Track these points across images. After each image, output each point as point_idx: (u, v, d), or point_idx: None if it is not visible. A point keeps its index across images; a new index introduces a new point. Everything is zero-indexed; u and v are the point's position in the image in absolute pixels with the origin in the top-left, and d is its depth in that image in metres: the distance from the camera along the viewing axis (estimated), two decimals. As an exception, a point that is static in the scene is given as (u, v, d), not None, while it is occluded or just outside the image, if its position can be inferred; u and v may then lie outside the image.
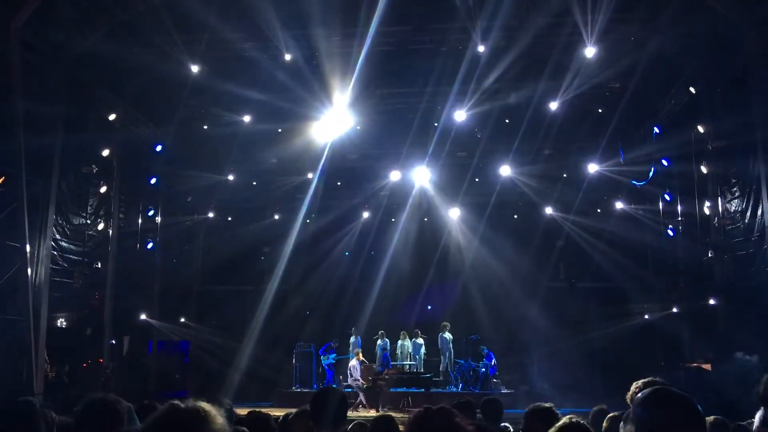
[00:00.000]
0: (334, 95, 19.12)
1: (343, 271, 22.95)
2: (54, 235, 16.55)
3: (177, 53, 16.78)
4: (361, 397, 17.16)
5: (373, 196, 23.05)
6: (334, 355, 19.17)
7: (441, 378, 19.36)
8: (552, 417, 4.26)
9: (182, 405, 1.96)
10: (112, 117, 18.38)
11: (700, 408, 2.22)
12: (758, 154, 14.93)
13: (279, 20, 16.00)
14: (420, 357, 19.54)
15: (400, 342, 19.93)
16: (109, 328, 18.79)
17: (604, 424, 4.49)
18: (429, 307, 22.21)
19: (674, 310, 19.20)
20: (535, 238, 22.18)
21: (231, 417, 4.15)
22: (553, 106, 18.61)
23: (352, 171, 22.64)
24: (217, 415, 1.96)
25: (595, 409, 5.11)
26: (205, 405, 1.98)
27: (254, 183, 22.98)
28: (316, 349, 19.86)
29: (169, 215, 21.48)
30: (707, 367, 16.23)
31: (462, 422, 2.08)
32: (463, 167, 21.55)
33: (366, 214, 23.58)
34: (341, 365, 19.56)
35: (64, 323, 17.27)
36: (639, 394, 2.31)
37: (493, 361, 18.74)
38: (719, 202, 17.08)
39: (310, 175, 21.77)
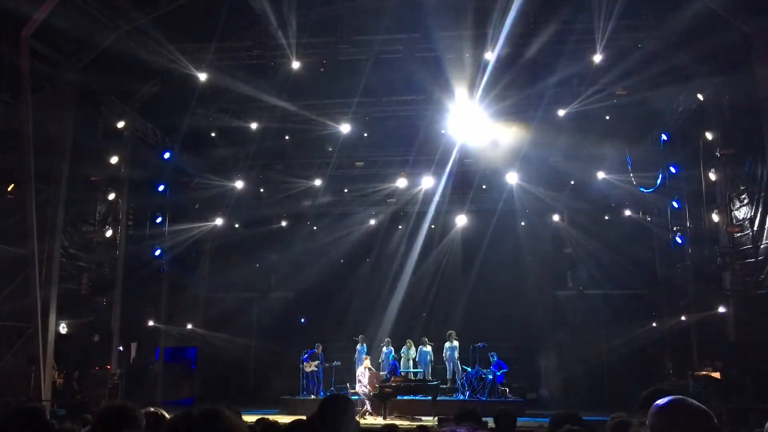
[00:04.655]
0: (342, 102, 19.23)
1: (349, 279, 22.95)
2: (62, 242, 16.61)
3: (185, 61, 16.88)
4: (368, 404, 17.13)
5: (379, 203, 23.07)
6: (317, 362, 19.05)
7: (448, 385, 19.29)
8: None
9: (197, 409, 1.98)
10: (120, 125, 18.49)
11: (715, 419, 2.21)
12: (766, 160, 14.88)
13: (287, 28, 16.09)
14: (427, 365, 19.48)
15: (405, 349, 19.89)
16: (116, 335, 18.83)
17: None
18: (424, 314, 22.04)
19: (683, 318, 19.08)
20: (543, 245, 22.11)
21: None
22: (561, 113, 18.60)
23: (359, 178, 22.66)
24: (232, 415, 1.97)
25: (615, 417, 5.03)
26: (220, 407, 1.99)
27: (261, 190, 23.03)
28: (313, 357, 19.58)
29: (177, 222, 21.53)
30: (716, 375, 16.13)
31: None
32: (470, 174, 21.54)
33: (372, 221, 23.58)
34: (330, 373, 19.47)
35: (72, 330, 17.32)
36: (655, 403, 2.31)
37: (500, 369, 18.64)
38: (727, 210, 17.00)
39: (317, 182, 21.81)
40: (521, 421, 6.42)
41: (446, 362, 19.59)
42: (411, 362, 19.77)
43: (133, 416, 2.91)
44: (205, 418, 1.92)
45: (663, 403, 2.26)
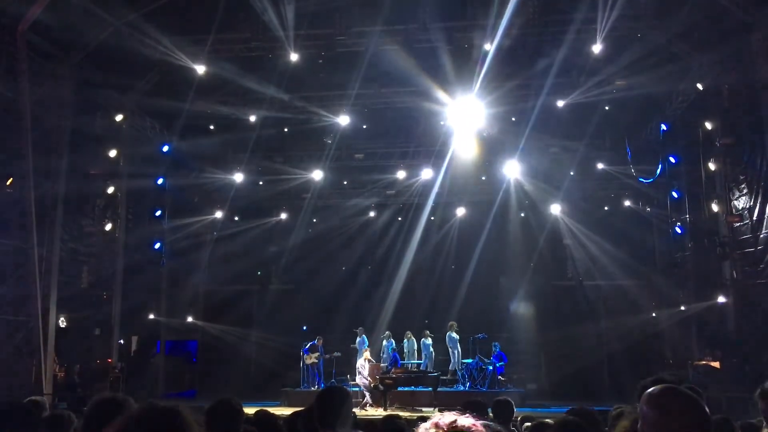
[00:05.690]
0: (341, 94, 19.17)
1: (349, 271, 22.99)
2: (62, 236, 16.61)
3: (183, 54, 16.83)
4: (368, 396, 17.17)
5: (379, 195, 23.07)
6: (318, 354, 19.09)
7: (449, 377, 19.34)
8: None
9: (159, 404, 1.96)
10: (118, 118, 18.46)
11: (706, 407, 2.20)
12: (766, 150, 14.86)
13: (285, 19, 16.04)
14: (429, 356, 19.52)
15: (406, 342, 19.92)
16: (117, 328, 18.88)
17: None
18: (426, 321, 21.82)
19: (682, 308, 19.11)
20: (542, 236, 22.10)
21: (240, 417, 4.16)
22: (560, 103, 18.56)
23: (358, 169, 22.64)
24: (192, 419, 1.96)
25: (617, 408, 5.02)
26: (181, 407, 1.98)
27: (260, 182, 23.01)
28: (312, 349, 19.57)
29: (176, 215, 21.53)
30: (716, 365, 16.18)
31: None
32: (470, 166, 21.50)
33: (372, 214, 23.59)
34: (330, 364, 19.48)
35: (73, 323, 17.35)
36: (646, 391, 2.30)
37: (501, 361, 18.68)
38: (727, 200, 17.00)
39: (316, 174, 21.76)
40: (520, 411, 6.41)
41: (450, 350, 19.54)
42: (413, 353, 19.78)
43: (124, 408, 2.91)
44: (163, 416, 1.92)
45: (654, 391, 2.25)
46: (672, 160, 19.25)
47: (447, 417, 1.93)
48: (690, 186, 19.16)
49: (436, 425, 1.92)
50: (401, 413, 15.44)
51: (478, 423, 1.92)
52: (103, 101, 17.99)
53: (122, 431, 1.89)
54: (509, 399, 5.79)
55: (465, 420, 1.92)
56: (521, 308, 21.68)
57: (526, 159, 20.51)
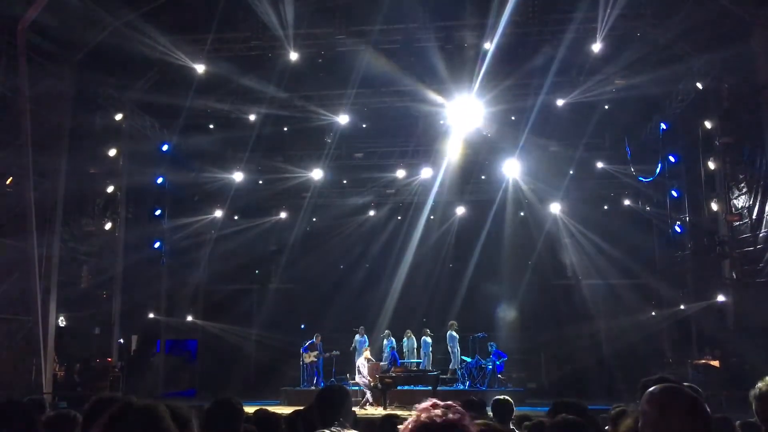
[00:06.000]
0: (340, 93, 19.17)
1: (348, 269, 22.98)
2: (61, 235, 16.61)
3: (182, 54, 16.82)
4: (368, 395, 17.17)
5: (378, 194, 23.06)
6: (317, 353, 19.07)
7: (449, 376, 19.34)
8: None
9: (138, 403, 1.96)
10: (118, 117, 18.45)
11: (706, 406, 2.21)
12: (766, 149, 14.87)
13: (285, 19, 16.04)
14: (428, 355, 19.51)
15: (405, 340, 19.91)
16: (117, 327, 18.87)
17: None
18: (424, 319, 21.79)
19: (682, 307, 19.12)
20: (541, 235, 22.08)
21: (240, 416, 4.16)
22: (560, 102, 18.56)
23: (358, 169, 22.64)
24: (168, 417, 1.96)
25: (616, 407, 5.01)
26: (159, 405, 1.98)
27: (260, 181, 23.00)
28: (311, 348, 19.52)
29: (176, 214, 21.52)
30: (715, 364, 16.18)
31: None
32: (469, 165, 21.51)
33: (372, 213, 23.59)
34: (330, 363, 19.45)
35: (73, 323, 17.35)
36: (647, 390, 2.31)
37: (499, 359, 18.69)
38: (726, 199, 17.01)
39: (316, 173, 21.76)
40: (519, 410, 6.41)
41: (450, 349, 19.53)
42: (413, 352, 19.78)
43: None
44: (140, 414, 1.91)
45: (655, 390, 2.26)
46: (671, 159, 19.24)
47: (428, 407, 1.93)
48: (689, 185, 19.17)
49: (425, 414, 1.92)
50: (401, 412, 15.44)
51: (469, 418, 1.92)
52: (102, 100, 17.99)
53: (104, 430, 1.89)
54: (508, 398, 5.79)
55: (453, 413, 1.91)
56: (520, 307, 21.66)
57: (526, 158, 20.49)
